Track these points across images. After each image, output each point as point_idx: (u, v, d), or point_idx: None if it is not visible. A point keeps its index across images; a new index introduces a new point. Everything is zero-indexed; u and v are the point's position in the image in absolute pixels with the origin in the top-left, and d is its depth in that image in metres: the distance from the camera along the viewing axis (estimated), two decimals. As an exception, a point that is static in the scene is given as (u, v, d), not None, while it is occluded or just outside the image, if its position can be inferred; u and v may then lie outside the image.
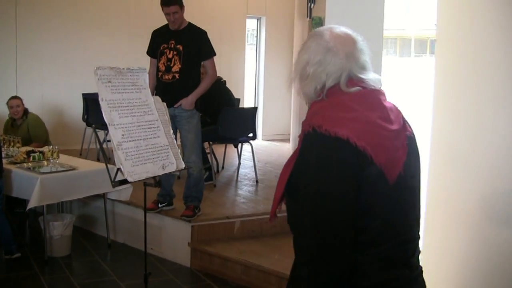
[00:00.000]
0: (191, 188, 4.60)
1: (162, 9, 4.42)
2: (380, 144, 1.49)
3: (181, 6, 4.42)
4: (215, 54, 4.53)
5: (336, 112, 1.52)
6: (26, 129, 5.94)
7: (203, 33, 4.50)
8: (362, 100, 1.56)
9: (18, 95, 6.12)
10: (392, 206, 1.52)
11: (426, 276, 1.65)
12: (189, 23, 4.52)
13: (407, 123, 1.65)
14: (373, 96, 1.58)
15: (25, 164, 4.76)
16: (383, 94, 1.62)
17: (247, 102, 9.58)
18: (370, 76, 1.59)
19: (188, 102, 4.43)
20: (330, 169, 1.46)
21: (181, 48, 4.42)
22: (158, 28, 4.65)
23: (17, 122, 5.97)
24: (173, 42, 4.46)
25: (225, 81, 6.63)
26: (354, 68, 1.57)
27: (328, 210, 1.46)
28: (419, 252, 1.67)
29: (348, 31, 1.63)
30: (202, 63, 4.55)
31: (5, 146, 5.23)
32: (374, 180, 1.48)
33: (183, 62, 4.41)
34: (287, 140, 8.90)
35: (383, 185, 1.49)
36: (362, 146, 1.45)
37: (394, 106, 1.64)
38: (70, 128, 8.04)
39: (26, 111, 6.02)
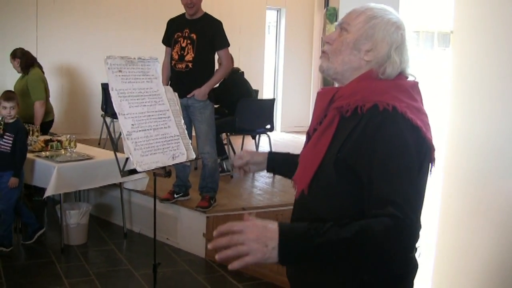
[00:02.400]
0: (206, 178, 4.59)
1: None
2: (432, 140, 1.48)
3: None
4: (229, 45, 4.49)
5: (405, 97, 1.48)
6: (25, 83, 5.65)
7: (218, 23, 4.46)
8: (418, 90, 1.54)
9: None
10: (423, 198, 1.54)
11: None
12: (205, 13, 4.48)
13: None
14: (419, 89, 1.56)
15: (43, 153, 4.81)
16: None
17: (266, 94, 9.55)
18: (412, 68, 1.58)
19: (201, 92, 4.40)
20: (414, 154, 1.42)
21: (194, 37, 4.39)
22: (174, 17, 4.63)
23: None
24: (187, 30, 4.43)
25: (243, 72, 6.60)
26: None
27: (419, 194, 1.44)
28: None
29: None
30: (217, 53, 4.53)
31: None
32: (426, 173, 1.49)
33: (196, 51, 4.38)
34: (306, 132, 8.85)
35: (427, 179, 1.50)
36: (429, 140, 1.45)
37: None
38: (89, 118, 8.12)
39: (28, 65, 5.63)
